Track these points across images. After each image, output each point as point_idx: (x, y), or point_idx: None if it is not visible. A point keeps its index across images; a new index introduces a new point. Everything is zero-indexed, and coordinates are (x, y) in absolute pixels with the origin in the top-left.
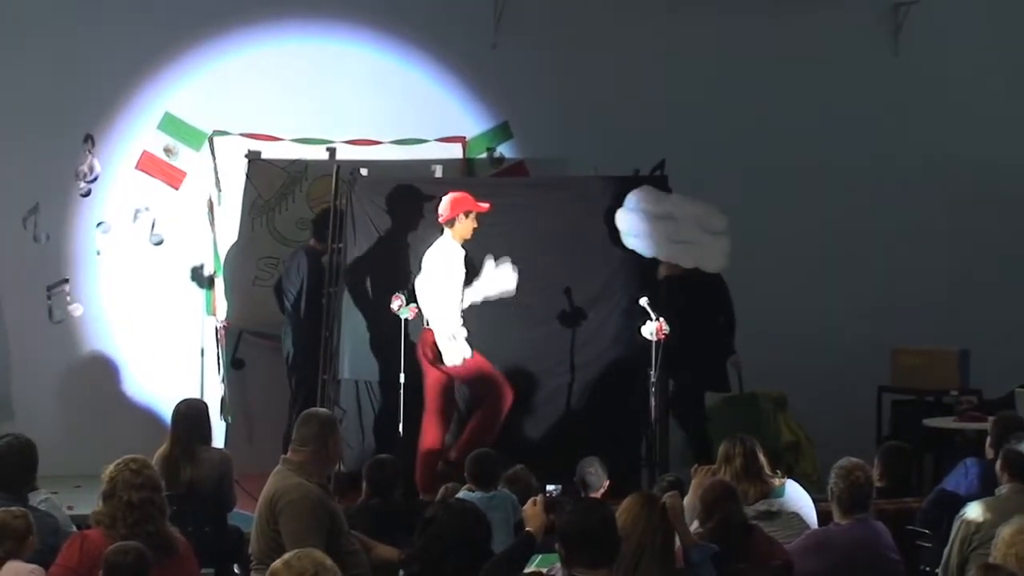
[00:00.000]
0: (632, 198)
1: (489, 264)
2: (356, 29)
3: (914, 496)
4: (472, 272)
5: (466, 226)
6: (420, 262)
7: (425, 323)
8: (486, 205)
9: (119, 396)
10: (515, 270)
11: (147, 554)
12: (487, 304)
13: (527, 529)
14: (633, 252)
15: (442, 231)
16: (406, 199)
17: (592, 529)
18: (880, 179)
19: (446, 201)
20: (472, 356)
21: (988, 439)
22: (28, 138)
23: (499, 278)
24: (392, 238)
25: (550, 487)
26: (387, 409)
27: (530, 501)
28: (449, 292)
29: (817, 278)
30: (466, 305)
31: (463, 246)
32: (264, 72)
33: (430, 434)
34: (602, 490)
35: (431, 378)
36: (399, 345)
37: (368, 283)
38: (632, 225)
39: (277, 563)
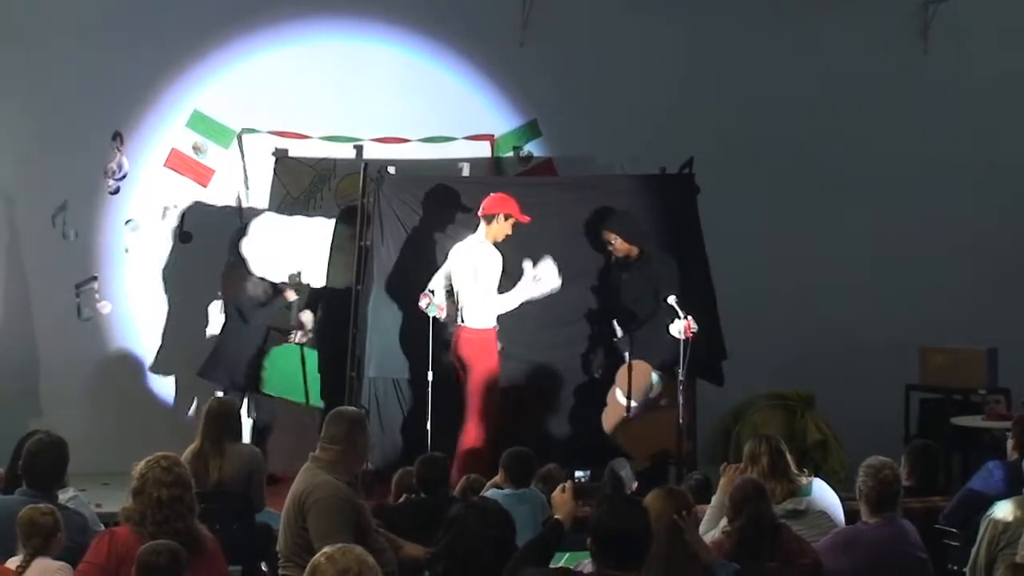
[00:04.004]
0: (254, 226)
1: (528, 265)
2: (384, 27)
3: (942, 495)
4: (504, 274)
5: (502, 228)
6: (445, 257)
7: (460, 320)
8: (527, 218)
9: (147, 393)
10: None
11: (182, 553)
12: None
13: (556, 516)
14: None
15: (475, 228)
16: (442, 200)
17: (627, 530)
18: (908, 177)
19: (492, 197)
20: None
21: (1010, 441)
22: (57, 136)
23: (544, 277)
24: (421, 235)
25: (579, 473)
26: (417, 407)
27: (559, 488)
28: (494, 285)
29: (844, 277)
30: (513, 307)
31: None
32: (292, 70)
33: (472, 433)
34: (631, 491)
35: (478, 376)
36: (427, 343)
37: (398, 280)
38: (259, 251)
39: (319, 557)
